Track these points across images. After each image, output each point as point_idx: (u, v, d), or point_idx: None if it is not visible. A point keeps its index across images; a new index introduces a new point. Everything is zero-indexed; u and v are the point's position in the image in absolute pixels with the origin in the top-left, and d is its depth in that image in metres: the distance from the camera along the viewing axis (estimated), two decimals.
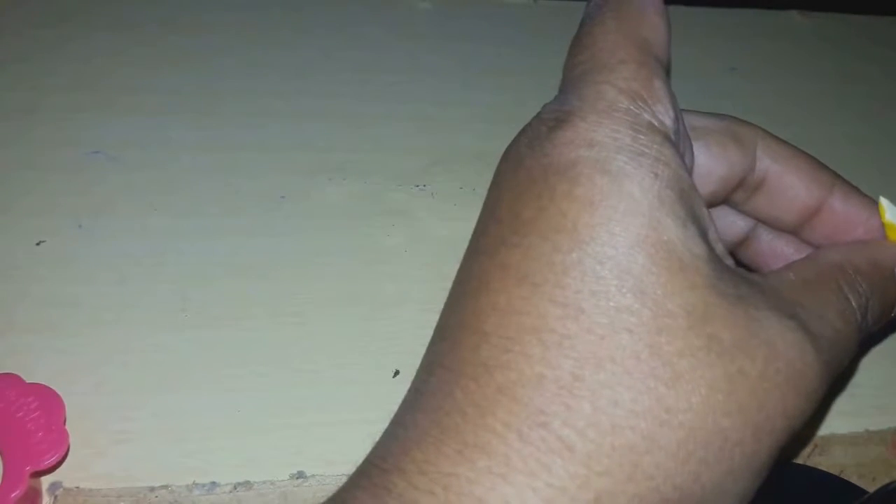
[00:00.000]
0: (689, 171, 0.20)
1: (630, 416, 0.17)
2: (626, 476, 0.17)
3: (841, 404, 0.30)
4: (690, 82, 0.40)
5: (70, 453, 0.24)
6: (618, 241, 0.17)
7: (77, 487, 0.25)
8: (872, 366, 0.31)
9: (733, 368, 0.18)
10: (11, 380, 0.25)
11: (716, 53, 0.42)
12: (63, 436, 0.24)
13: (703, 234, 0.19)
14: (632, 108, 0.19)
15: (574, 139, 0.18)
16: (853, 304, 0.21)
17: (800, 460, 0.28)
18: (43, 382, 0.25)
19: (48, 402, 0.24)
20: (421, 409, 0.18)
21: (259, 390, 0.27)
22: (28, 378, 0.25)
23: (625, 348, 0.17)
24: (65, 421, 0.24)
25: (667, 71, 0.20)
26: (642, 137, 0.18)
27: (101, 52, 0.36)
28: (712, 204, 0.24)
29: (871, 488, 0.26)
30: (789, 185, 0.23)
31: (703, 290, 0.18)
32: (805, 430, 0.29)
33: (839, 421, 0.29)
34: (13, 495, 0.23)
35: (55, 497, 0.24)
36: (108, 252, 0.30)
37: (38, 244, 0.30)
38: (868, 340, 0.24)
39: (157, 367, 0.27)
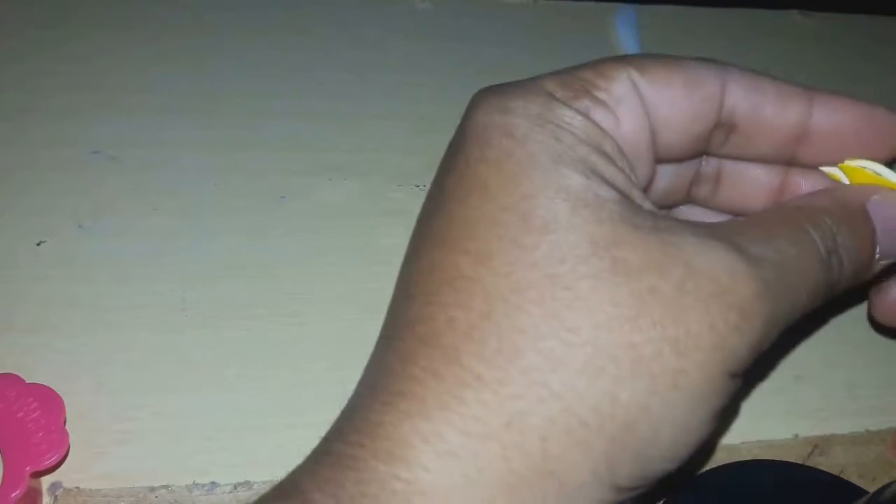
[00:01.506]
0: (625, 136, 0.21)
1: (534, 339, 0.17)
2: (536, 397, 0.17)
3: (841, 404, 0.30)
4: None
5: (70, 453, 0.24)
6: (522, 191, 0.18)
7: (77, 488, 0.25)
8: (872, 366, 0.31)
9: (642, 286, 0.18)
10: (11, 380, 0.25)
11: (716, 53, 0.41)
12: (63, 436, 0.24)
13: (613, 185, 0.19)
14: (554, 83, 0.20)
15: (490, 106, 0.20)
16: (814, 236, 0.20)
17: (800, 460, 0.28)
18: (43, 382, 0.25)
19: (48, 402, 0.24)
20: (361, 381, 0.20)
21: (259, 390, 0.27)
22: (28, 378, 0.25)
23: (528, 280, 0.18)
24: (65, 421, 0.24)
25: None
26: (555, 109, 0.20)
27: (100, 52, 0.36)
28: (693, 150, 0.23)
29: (871, 488, 0.26)
30: (762, 113, 0.22)
31: (610, 223, 0.18)
32: (806, 431, 0.29)
33: (839, 421, 0.29)
34: (13, 495, 0.23)
35: (55, 497, 0.24)
36: (108, 252, 0.30)
37: (38, 244, 0.30)
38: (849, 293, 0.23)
39: (157, 367, 0.27)
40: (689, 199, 0.25)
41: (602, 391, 0.17)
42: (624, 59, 0.21)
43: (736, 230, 0.20)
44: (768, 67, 0.43)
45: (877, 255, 0.22)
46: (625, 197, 0.19)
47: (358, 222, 0.32)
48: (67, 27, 0.36)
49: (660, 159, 0.22)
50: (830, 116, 0.23)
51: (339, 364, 0.28)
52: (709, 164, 0.24)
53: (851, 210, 0.22)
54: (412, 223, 0.34)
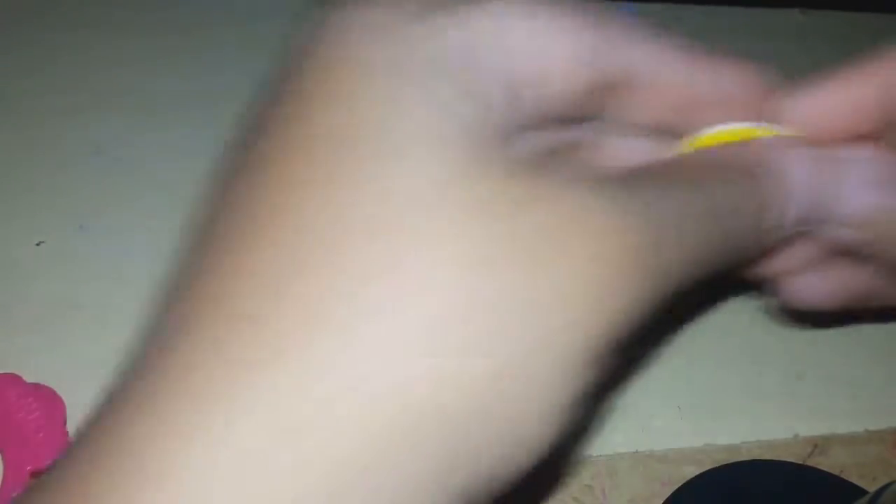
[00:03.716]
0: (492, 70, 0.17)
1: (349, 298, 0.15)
2: (358, 375, 0.15)
3: (841, 404, 0.30)
4: None
5: None
6: (367, 115, 0.17)
7: None
8: (872, 366, 0.31)
9: (498, 229, 0.15)
10: (11, 380, 0.25)
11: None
12: (63, 436, 0.24)
13: (476, 117, 0.16)
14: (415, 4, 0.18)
15: (341, 27, 0.18)
16: (701, 195, 0.19)
17: (800, 460, 0.28)
18: (43, 382, 0.25)
19: (48, 402, 0.24)
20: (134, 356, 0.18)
21: None
22: (28, 378, 0.25)
23: (359, 217, 0.16)
24: (65, 421, 0.24)
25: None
26: (414, 26, 0.17)
27: (101, 52, 0.36)
28: (569, 110, 0.20)
29: (871, 488, 0.26)
30: (651, 74, 0.21)
31: (468, 162, 0.16)
32: (806, 431, 0.29)
33: (839, 421, 0.29)
34: (13, 495, 0.23)
35: None
36: (108, 252, 0.30)
37: (38, 244, 0.30)
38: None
39: None
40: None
41: (446, 353, 0.15)
42: None
43: (611, 180, 0.17)
44: (769, 67, 0.43)
45: (789, 216, 0.21)
46: (490, 131, 0.16)
47: None
48: (68, 28, 0.36)
49: (532, 115, 0.19)
50: (714, 80, 0.21)
51: None
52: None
53: (750, 166, 0.20)
54: None
